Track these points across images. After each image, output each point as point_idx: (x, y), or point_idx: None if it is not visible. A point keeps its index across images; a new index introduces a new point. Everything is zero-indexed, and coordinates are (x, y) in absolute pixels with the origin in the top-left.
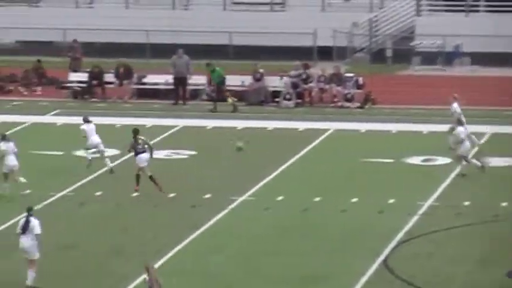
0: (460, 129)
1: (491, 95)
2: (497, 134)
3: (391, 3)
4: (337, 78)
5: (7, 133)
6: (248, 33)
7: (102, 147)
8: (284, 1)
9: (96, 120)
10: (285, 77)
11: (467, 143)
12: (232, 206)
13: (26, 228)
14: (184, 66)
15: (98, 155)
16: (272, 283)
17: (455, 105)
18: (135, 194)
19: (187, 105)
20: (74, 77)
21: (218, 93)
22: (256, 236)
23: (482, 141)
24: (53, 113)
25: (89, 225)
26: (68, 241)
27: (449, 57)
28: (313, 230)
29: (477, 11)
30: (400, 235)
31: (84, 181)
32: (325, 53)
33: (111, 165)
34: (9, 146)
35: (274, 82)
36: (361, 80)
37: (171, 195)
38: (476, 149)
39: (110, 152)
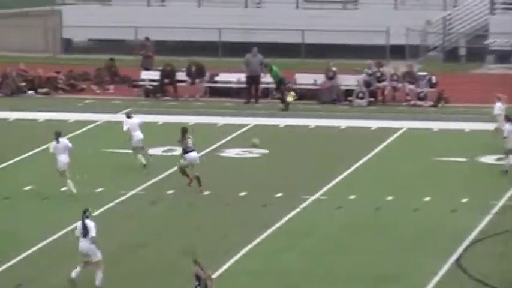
0: (507, 126)
1: None
2: None
3: (465, 1)
4: (410, 77)
5: (78, 132)
6: (320, 31)
7: (143, 143)
8: None
9: (168, 118)
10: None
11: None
12: (304, 205)
13: (86, 231)
14: (257, 64)
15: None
16: (344, 282)
17: (498, 104)
18: (206, 193)
19: (260, 104)
20: (146, 75)
21: (278, 92)
22: (328, 235)
23: None
24: (125, 111)
25: (160, 224)
26: (138, 240)
27: None
28: (385, 229)
29: None
30: (473, 234)
31: (155, 179)
32: (397, 51)
33: (144, 162)
34: (62, 144)
35: (346, 80)
36: (434, 79)
37: (242, 193)
38: None
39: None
